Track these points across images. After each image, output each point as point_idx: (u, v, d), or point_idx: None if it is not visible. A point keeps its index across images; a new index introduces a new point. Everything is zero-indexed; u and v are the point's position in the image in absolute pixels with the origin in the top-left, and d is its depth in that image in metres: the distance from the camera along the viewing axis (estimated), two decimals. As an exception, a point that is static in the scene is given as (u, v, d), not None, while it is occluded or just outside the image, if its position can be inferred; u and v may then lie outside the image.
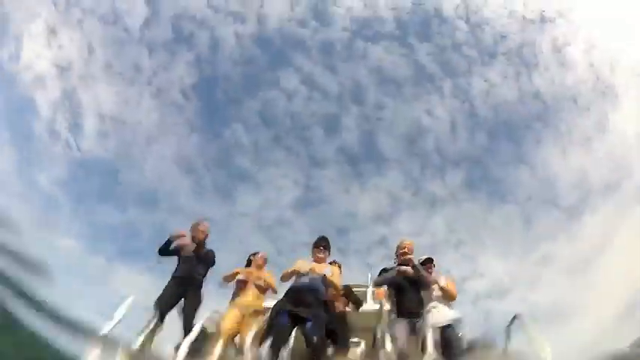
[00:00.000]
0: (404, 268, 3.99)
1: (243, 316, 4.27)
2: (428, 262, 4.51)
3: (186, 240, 4.62)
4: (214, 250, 4.79)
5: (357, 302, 4.77)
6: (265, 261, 4.82)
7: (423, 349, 3.62)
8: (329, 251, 4.19)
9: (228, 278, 4.54)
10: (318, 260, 4.05)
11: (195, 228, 4.73)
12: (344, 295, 4.61)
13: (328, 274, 3.86)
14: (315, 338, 3.41)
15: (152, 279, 4.99)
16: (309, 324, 3.49)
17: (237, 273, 4.55)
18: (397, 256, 4.31)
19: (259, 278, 4.56)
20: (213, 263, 4.67)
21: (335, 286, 3.95)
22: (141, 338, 3.71)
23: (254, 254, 4.87)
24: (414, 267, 4.07)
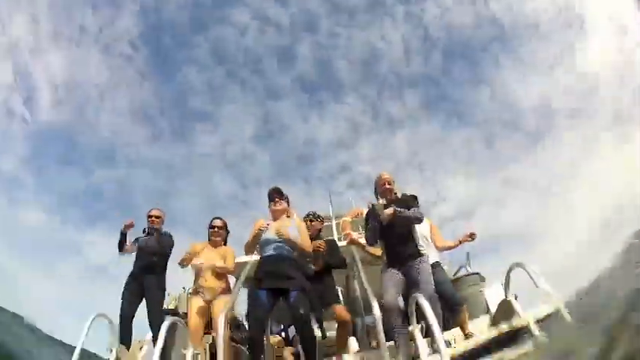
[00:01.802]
0: (387, 212, 3.39)
1: (209, 302, 3.79)
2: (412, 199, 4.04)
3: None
4: (170, 233, 4.53)
5: (341, 262, 4.18)
6: (221, 228, 4.19)
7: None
8: (287, 200, 3.72)
9: (184, 262, 3.96)
10: (277, 215, 3.60)
11: (148, 217, 4.54)
12: (323, 253, 4.05)
13: (293, 233, 3.40)
14: (301, 310, 3.02)
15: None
16: (293, 294, 3.10)
17: (191, 257, 3.92)
18: (377, 192, 3.83)
19: (218, 257, 3.97)
20: (171, 247, 4.37)
21: (303, 248, 3.42)
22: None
23: (210, 226, 4.22)
24: (396, 201, 3.62)
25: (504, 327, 3.17)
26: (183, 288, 4.41)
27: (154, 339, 3.37)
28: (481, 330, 4.02)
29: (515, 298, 3.22)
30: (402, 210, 3.43)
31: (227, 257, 3.98)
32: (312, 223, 4.33)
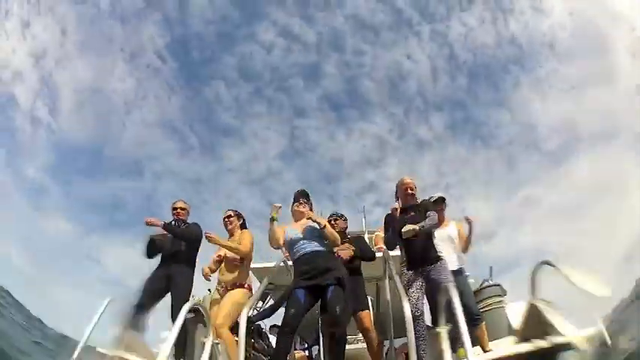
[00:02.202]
0: (408, 230, 3.30)
1: (220, 295, 3.79)
2: (440, 202, 4.14)
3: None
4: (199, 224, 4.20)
5: (368, 254, 4.07)
6: (230, 217, 4.12)
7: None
8: (310, 205, 3.66)
9: (207, 272, 3.87)
10: (298, 216, 3.54)
11: (172, 210, 4.28)
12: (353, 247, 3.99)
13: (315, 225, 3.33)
14: (337, 309, 2.90)
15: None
16: (330, 290, 3.00)
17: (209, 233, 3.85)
18: (398, 197, 3.82)
19: (232, 245, 3.88)
20: (198, 235, 4.07)
21: (333, 237, 3.36)
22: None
23: (224, 219, 4.17)
24: (416, 207, 3.65)
25: (543, 343, 2.79)
26: (209, 290, 4.30)
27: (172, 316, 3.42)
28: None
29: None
30: (422, 226, 3.37)
31: (242, 240, 3.90)
32: (337, 222, 4.28)
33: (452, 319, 2.85)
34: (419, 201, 3.78)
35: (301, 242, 3.29)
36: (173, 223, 4.14)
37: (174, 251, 3.96)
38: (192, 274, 4.00)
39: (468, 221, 4.18)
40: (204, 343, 2.92)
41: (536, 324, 2.94)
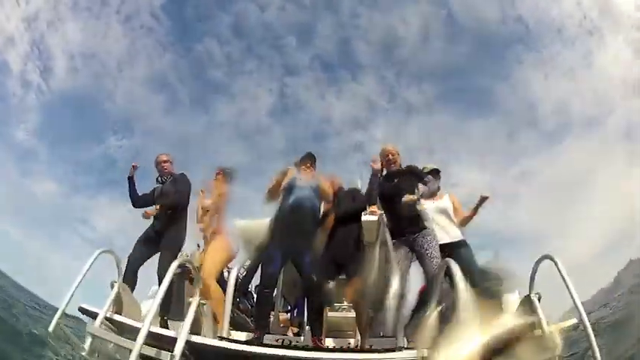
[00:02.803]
0: (409, 198, 3.30)
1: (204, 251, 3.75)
2: (434, 174, 4.01)
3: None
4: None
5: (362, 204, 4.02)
6: (218, 174, 4.11)
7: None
8: (314, 169, 3.78)
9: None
10: (303, 176, 3.63)
11: (157, 165, 4.17)
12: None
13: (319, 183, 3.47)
14: (314, 277, 3.01)
15: (131, 208, 4.12)
16: (307, 259, 3.09)
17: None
18: (381, 162, 3.75)
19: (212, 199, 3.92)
20: (188, 192, 4.01)
21: (326, 192, 3.52)
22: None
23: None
24: (401, 174, 3.61)
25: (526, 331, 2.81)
26: (198, 245, 4.23)
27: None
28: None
29: (539, 299, 2.89)
30: (421, 195, 3.40)
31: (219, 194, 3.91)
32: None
33: (445, 298, 2.88)
34: (402, 167, 3.71)
35: (299, 190, 3.38)
36: (160, 178, 4.12)
37: (169, 216, 3.86)
38: (184, 230, 3.94)
39: (483, 198, 3.92)
40: (189, 302, 2.77)
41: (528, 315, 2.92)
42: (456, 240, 3.72)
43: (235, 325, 3.70)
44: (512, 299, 4.00)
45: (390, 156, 3.70)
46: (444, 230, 3.72)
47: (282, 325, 4.81)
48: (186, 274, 3.52)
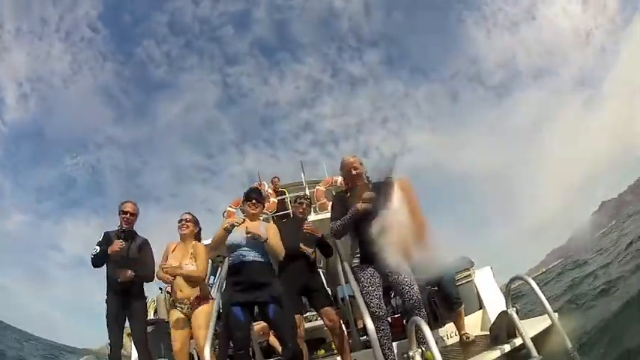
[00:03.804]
0: (362, 206, 3.00)
1: (189, 315, 3.46)
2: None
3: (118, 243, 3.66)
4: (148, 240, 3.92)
5: (328, 252, 4.03)
6: (188, 221, 3.72)
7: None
8: (263, 204, 3.57)
9: (161, 278, 3.57)
10: (250, 217, 3.40)
11: (122, 213, 3.86)
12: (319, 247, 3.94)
13: (263, 236, 3.14)
14: (284, 327, 2.99)
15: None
16: (271, 309, 3.00)
17: (164, 264, 3.47)
18: (345, 178, 3.42)
19: (188, 257, 3.56)
20: (153, 270, 3.76)
21: (275, 251, 3.22)
22: None
23: (179, 219, 3.76)
24: (368, 186, 3.23)
25: (506, 347, 3.07)
26: (160, 289, 4.06)
27: None
28: (475, 327, 4.02)
29: (517, 312, 3.03)
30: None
31: (197, 257, 3.53)
32: (302, 207, 4.08)
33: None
34: (367, 177, 3.33)
35: (241, 250, 3.15)
36: (122, 230, 3.80)
37: (131, 283, 3.67)
38: (146, 302, 3.89)
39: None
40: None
41: (506, 325, 3.16)
42: None
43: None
44: (483, 276, 4.41)
45: (353, 170, 3.25)
46: None
47: (261, 333, 4.66)
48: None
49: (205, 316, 3.39)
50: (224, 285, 3.75)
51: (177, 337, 3.38)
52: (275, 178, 6.72)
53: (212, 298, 3.64)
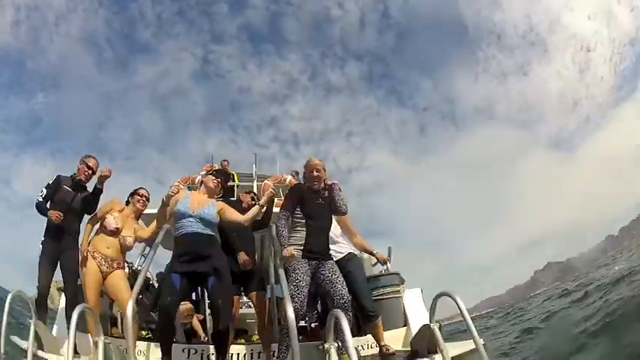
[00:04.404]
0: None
1: (105, 274, 3.46)
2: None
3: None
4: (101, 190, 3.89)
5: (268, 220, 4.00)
6: (145, 203, 3.86)
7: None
8: (223, 188, 3.67)
9: (94, 220, 3.65)
10: (208, 192, 3.45)
11: (82, 164, 3.93)
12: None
13: (210, 211, 3.23)
14: (219, 301, 2.96)
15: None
16: (211, 281, 3.00)
17: (107, 214, 3.60)
18: (305, 178, 3.57)
19: (130, 230, 3.66)
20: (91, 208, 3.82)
21: (232, 220, 3.33)
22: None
23: (133, 193, 3.86)
24: (328, 190, 3.48)
25: None
26: None
27: (67, 312, 3.42)
28: (397, 342, 3.93)
29: (440, 328, 3.03)
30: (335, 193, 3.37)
31: (137, 237, 3.67)
32: (252, 202, 4.11)
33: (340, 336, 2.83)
34: (327, 182, 3.54)
35: (187, 219, 3.15)
36: (75, 179, 3.90)
37: (69, 225, 3.77)
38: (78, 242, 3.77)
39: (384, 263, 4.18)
40: (96, 342, 2.83)
41: (427, 340, 3.15)
42: (344, 253, 3.83)
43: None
44: (412, 296, 4.39)
45: (315, 172, 3.44)
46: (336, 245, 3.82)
47: (185, 314, 4.54)
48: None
49: (124, 280, 3.50)
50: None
51: (94, 287, 3.39)
52: (224, 161, 6.77)
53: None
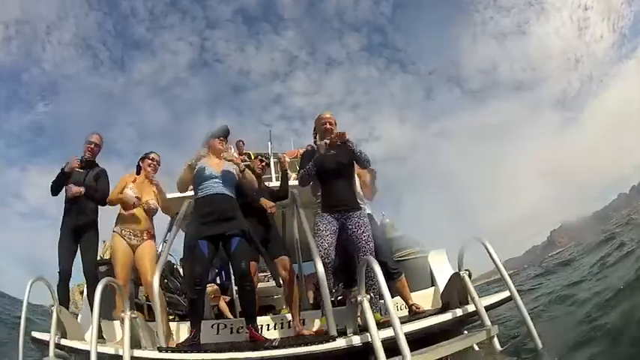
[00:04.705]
0: (324, 142, 3.23)
1: (135, 247, 3.46)
2: None
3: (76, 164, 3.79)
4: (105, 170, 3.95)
5: (285, 192, 3.99)
6: (156, 167, 3.78)
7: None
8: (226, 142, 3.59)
9: (113, 201, 3.58)
10: (217, 153, 3.38)
11: (87, 143, 3.94)
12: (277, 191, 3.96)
13: (233, 171, 3.26)
14: (242, 263, 2.94)
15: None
16: (234, 242, 2.99)
17: (123, 191, 3.51)
18: (317, 133, 3.57)
19: (152, 194, 3.64)
20: (107, 193, 3.75)
21: (251, 183, 3.37)
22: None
23: (143, 158, 3.79)
24: (342, 142, 3.32)
25: (458, 312, 2.98)
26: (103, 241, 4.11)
27: (89, 296, 3.38)
28: (426, 302, 3.93)
29: (469, 276, 2.97)
30: (349, 143, 3.21)
31: (160, 194, 3.68)
32: (262, 164, 4.13)
33: (372, 286, 2.92)
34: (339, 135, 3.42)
35: (212, 181, 3.18)
36: (83, 159, 3.86)
37: (84, 207, 3.74)
38: (98, 226, 3.83)
39: (370, 171, 3.90)
40: (122, 318, 2.72)
41: (457, 290, 3.09)
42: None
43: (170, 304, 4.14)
44: (437, 257, 4.38)
45: (328, 125, 3.44)
46: None
47: (212, 296, 4.56)
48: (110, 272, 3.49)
49: (153, 251, 3.51)
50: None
51: (124, 262, 3.40)
52: (240, 141, 6.69)
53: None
